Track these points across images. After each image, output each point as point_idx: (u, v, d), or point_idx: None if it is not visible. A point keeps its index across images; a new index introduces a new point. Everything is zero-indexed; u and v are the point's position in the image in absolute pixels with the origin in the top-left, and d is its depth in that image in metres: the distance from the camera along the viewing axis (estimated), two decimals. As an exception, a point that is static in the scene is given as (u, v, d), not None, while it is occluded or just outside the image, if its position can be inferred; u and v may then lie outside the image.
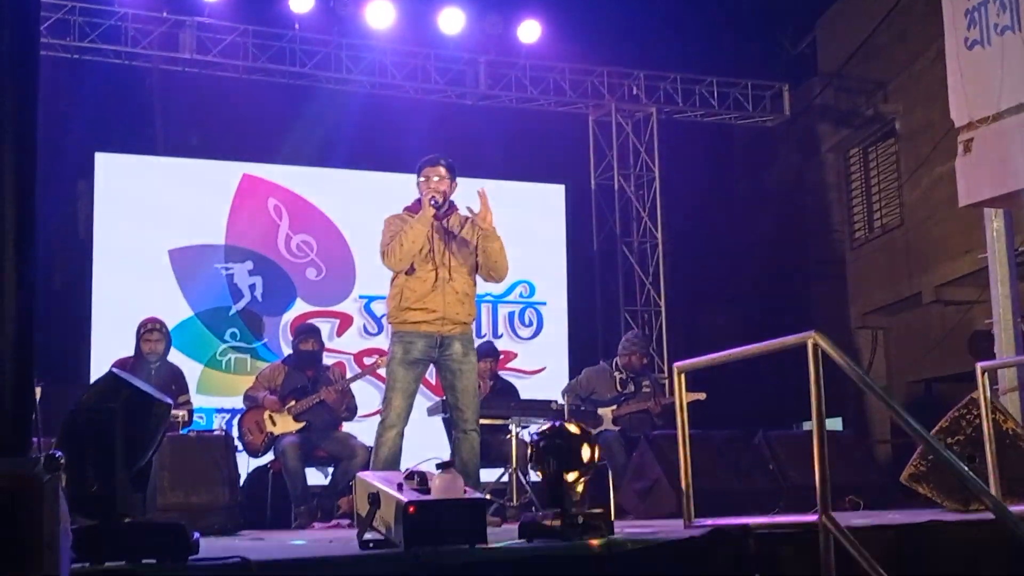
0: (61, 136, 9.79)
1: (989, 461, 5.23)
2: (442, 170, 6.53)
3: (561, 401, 9.01)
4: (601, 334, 12.30)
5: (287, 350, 9.97)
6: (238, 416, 8.72)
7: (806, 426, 14.37)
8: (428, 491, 4.12)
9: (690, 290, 13.62)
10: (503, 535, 4.32)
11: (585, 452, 4.36)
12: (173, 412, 5.69)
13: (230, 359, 10.42)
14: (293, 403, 8.42)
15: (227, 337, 10.46)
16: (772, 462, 8.55)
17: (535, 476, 8.38)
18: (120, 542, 3.68)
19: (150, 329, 8.35)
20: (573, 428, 4.50)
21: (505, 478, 8.65)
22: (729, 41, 14.23)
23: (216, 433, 8.36)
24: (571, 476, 4.29)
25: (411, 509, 3.95)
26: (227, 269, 10.58)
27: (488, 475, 8.15)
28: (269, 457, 8.51)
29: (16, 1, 2.93)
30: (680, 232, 13.14)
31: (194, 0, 10.90)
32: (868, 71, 14.27)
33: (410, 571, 3.79)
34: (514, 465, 8.45)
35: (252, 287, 10.61)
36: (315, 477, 8.60)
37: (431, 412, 8.82)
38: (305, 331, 8.93)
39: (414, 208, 6.58)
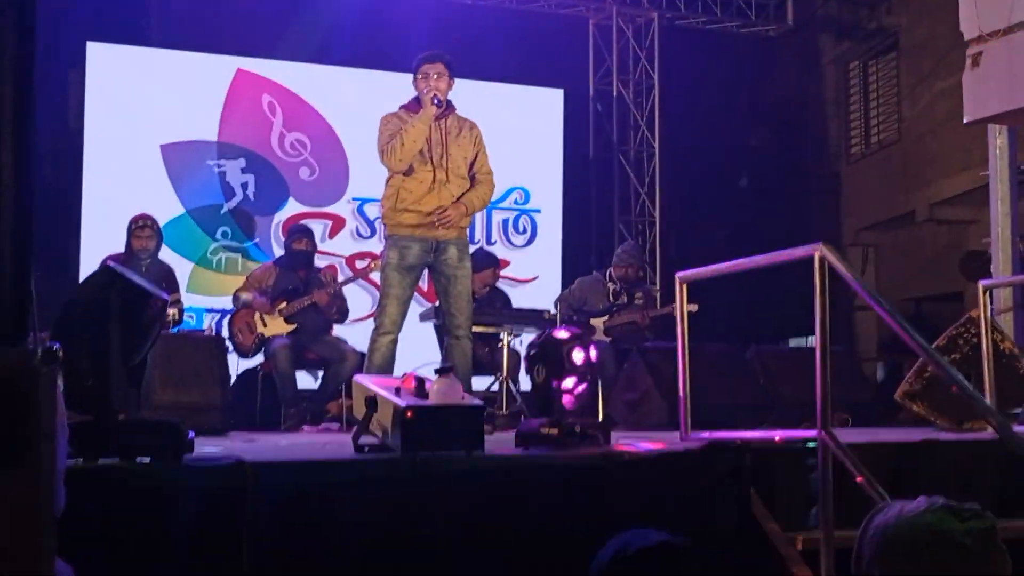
0: (53, 24, 9.58)
1: (987, 380, 5.22)
2: (441, 66, 6.41)
3: (553, 310, 8.97)
4: (595, 244, 12.25)
5: (278, 250, 9.92)
6: (228, 316, 8.65)
7: (792, 342, 14.47)
8: (426, 396, 4.10)
9: (684, 201, 13.54)
10: (498, 443, 4.31)
11: (577, 356, 4.34)
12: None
13: (221, 258, 10.34)
14: (284, 304, 8.35)
15: (218, 236, 10.37)
16: (763, 377, 8.55)
17: (526, 385, 8.47)
18: (114, 439, 3.66)
19: (142, 225, 8.23)
20: (563, 334, 4.47)
21: (495, 387, 8.65)
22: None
23: (207, 333, 8.30)
24: (566, 383, 4.27)
25: (409, 414, 3.94)
26: (219, 166, 10.45)
27: (478, 383, 8.13)
28: (259, 359, 8.47)
29: None
30: (677, 142, 13.01)
31: None
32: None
33: (407, 476, 3.79)
34: (505, 373, 8.44)
35: (244, 185, 10.49)
36: (304, 380, 8.56)
37: (423, 318, 8.78)
38: (298, 231, 8.85)
39: (411, 107, 6.47)
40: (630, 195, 12.52)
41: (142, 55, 10.36)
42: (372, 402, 4.16)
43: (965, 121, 7.02)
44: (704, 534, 3.99)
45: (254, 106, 10.59)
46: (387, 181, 6.50)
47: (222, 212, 10.42)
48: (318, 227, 9.64)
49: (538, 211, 11.48)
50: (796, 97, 15.79)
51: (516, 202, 11.26)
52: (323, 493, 3.68)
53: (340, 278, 8.95)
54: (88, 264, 8.43)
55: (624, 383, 8.32)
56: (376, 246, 10.65)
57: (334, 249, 10.49)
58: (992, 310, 6.81)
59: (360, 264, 10.32)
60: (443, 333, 8.69)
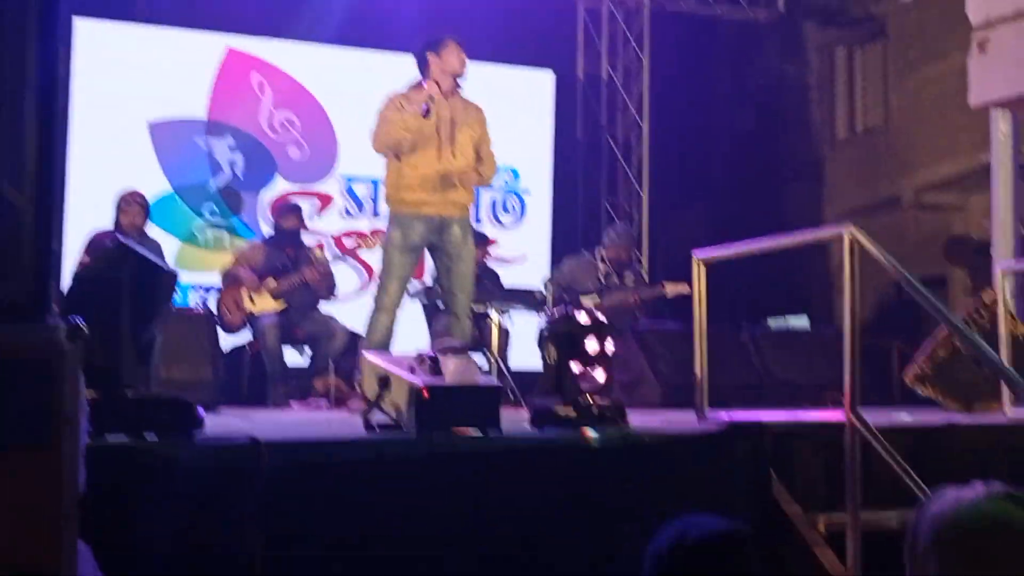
0: (38, -2, 9.34)
1: (1007, 362, 5.14)
2: (464, 56, 6.32)
3: (544, 290, 8.88)
4: (581, 225, 12.15)
5: (265, 227, 9.79)
6: (216, 293, 8.52)
7: (772, 322, 14.43)
8: (441, 375, 4.00)
9: (670, 184, 13.44)
10: (511, 423, 4.21)
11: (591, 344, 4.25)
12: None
13: (208, 235, 10.17)
14: (272, 281, 8.24)
15: (205, 212, 10.19)
16: (756, 358, 8.50)
17: (513, 364, 8.38)
18: (123, 415, 3.55)
19: (130, 202, 8.10)
20: (583, 317, 4.38)
21: (483, 366, 8.55)
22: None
23: (196, 310, 8.18)
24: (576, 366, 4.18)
25: (425, 393, 3.84)
26: (207, 144, 10.28)
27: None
28: (246, 336, 8.35)
29: None
30: (664, 126, 12.91)
31: None
32: (859, -31, 14.01)
33: (423, 456, 3.69)
34: (495, 353, 8.34)
35: (232, 163, 10.32)
36: (292, 357, 8.46)
37: (412, 295, 8.67)
38: (288, 208, 8.74)
39: (418, 86, 6.34)
40: (617, 176, 12.42)
41: (130, 31, 10.15)
42: (385, 381, 4.06)
43: (971, 105, 6.95)
44: (723, 516, 3.91)
45: (243, 84, 10.41)
46: (388, 161, 6.38)
47: (209, 189, 10.24)
48: (306, 205, 9.50)
49: (527, 191, 11.37)
50: (781, 83, 15.72)
51: (505, 182, 11.15)
52: (337, 472, 3.59)
53: (328, 256, 8.81)
54: (74, 240, 8.26)
55: (618, 365, 8.23)
56: (364, 224, 10.53)
57: (322, 227, 10.34)
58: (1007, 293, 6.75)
59: (348, 242, 10.22)
60: (431, 311, 8.67)
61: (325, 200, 10.55)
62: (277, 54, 10.62)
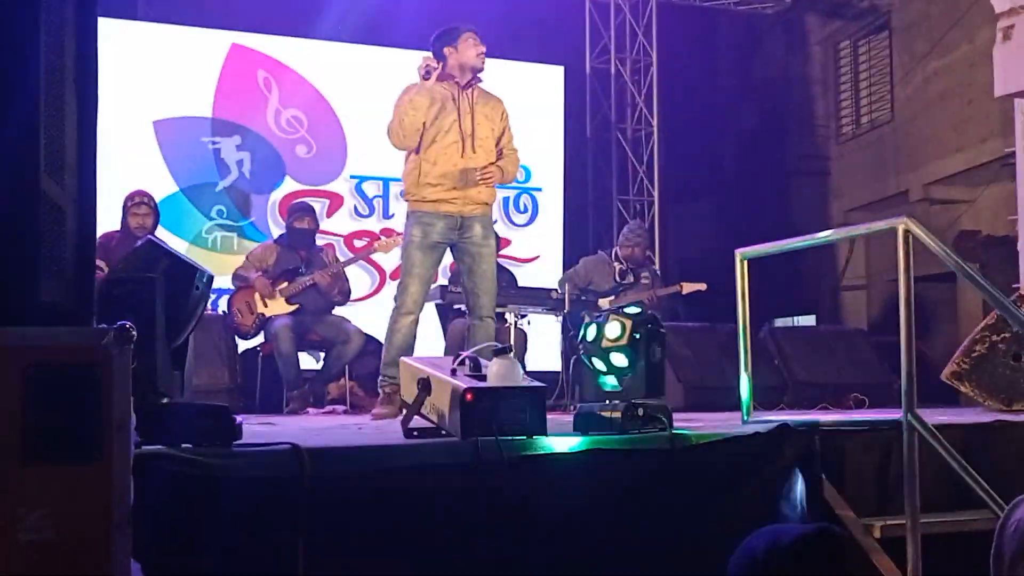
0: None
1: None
2: (481, 47, 6.18)
3: (559, 290, 8.76)
4: (592, 223, 12.05)
5: (275, 229, 9.66)
6: (227, 297, 8.39)
7: (779, 323, 14.34)
8: (483, 378, 3.88)
9: (678, 180, 13.35)
10: (556, 426, 4.08)
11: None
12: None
13: (216, 237, 10.04)
14: (285, 284, 8.12)
15: (213, 214, 10.05)
16: (777, 357, 8.40)
17: (530, 366, 8.25)
18: (159, 424, 3.41)
19: (138, 203, 7.97)
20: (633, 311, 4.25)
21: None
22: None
23: (212, 312, 8.03)
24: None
25: (468, 396, 3.72)
26: (214, 143, 10.12)
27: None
28: (259, 340, 8.21)
29: None
30: (672, 122, 12.82)
31: None
32: (864, -38, 13.92)
33: (469, 461, 3.57)
34: (513, 354, 8.20)
35: (240, 163, 10.19)
36: (306, 361, 8.33)
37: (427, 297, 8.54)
38: (300, 208, 8.59)
39: (440, 76, 6.19)
40: (628, 174, 12.31)
41: (132, 29, 10.01)
42: (426, 384, 3.93)
43: (996, 95, 6.84)
44: (775, 521, 3.80)
45: (249, 82, 10.28)
46: (407, 156, 6.22)
47: (217, 190, 10.10)
48: (316, 205, 9.33)
49: (539, 189, 11.25)
50: (785, 76, 15.64)
51: (517, 180, 11.00)
52: (382, 479, 3.46)
53: (340, 258, 8.68)
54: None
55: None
56: (375, 225, 10.42)
57: (332, 228, 10.21)
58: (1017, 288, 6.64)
59: (359, 243, 10.09)
60: (446, 312, 8.55)
61: (335, 200, 10.43)
62: (284, 51, 10.49)
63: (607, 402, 4.02)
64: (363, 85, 10.21)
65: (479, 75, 6.21)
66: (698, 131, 14.24)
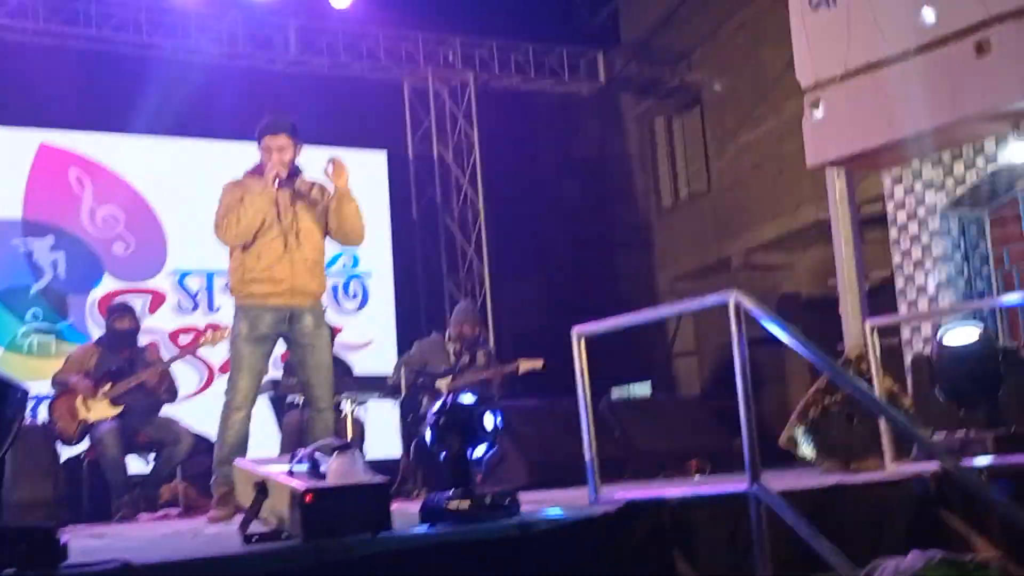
0: None
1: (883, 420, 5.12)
2: (283, 138, 6.01)
3: (395, 375, 8.65)
4: (424, 305, 11.99)
5: (95, 330, 9.33)
6: (47, 403, 8.00)
7: (615, 392, 14.46)
8: (323, 476, 3.72)
9: (507, 259, 13.41)
10: (403, 520, 3.95)
11: (488, 421, 4.05)
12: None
13: (32, 341, 9.64)
14: (109, 386, 7.79)
15: (28, 318, 9.67)
16: (617, 429, 8.42)
17: (372, 453, 8.09)
18: (-26, 551, 3.16)
19: (-53, 312, 7.58)
20: (469, 398, 4.18)
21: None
22: (540, 8, 14.04)
23: (31, 423, 7.64)
24: (478, 451, 3.96)
25: (308, 497, 3.55)
26: (26, 245, 9.76)
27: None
28: (83, 446, 7.84)
29: None
30: (498, 200, 12.90)
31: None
32: (671, 41, 14.32)
33: (313, 564, 3.40)
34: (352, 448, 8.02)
35: (54, 264, 9.83)
36: (135, 465, 7.98)
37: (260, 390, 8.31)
38: (119, 308, 8.28)
39: (257, 171, 6.06)
40: (457, 254, 12.32)
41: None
42: (262, 487, 3.75)
43: (808, 165, 7.05)
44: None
45: (61, 181, 9.98)
46: (231, 252, 6.04)
47: (31, 293, 9.73)
48: (137, 302, 9.08)
49: (368, 274, 11.15)
50: (604, 153, 15.94)
51: (345, 266, 10.91)
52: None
53: (165, 355, 8.38)
54: None
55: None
56: (200, 320, 10.18)
57: (155, 325, 9.90)
58: (841, 351, 6.79)
59: (184, 339, 9.80)
60: (280, 405, 8.33)
61: (157, 297, 10.14)
62: (95, 147, 10.24)
63: (452, 491, 3.91)
64: (180, 178, 10.03)
65: (297, 167, 6.08)
66: (523, 209, 14.34)
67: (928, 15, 6.25)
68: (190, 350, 8.80)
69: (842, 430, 5.43)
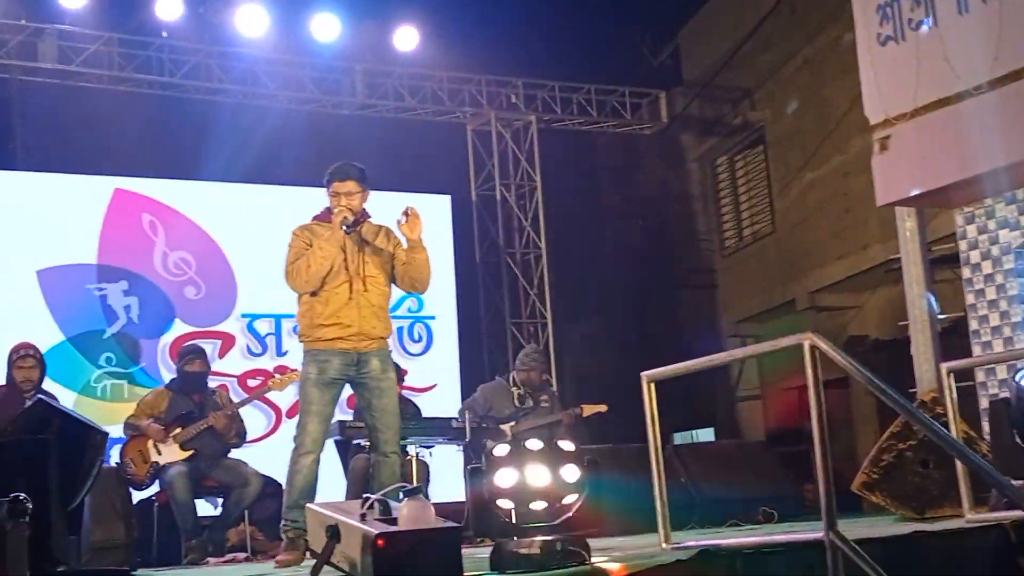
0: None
1: (960, 466, 5.04)
2: (351, 184, 6.08)
3: (460, 419, 8.65)
4: (487, 348, 12.01)
5: (166, 374, 9.42)
6: (119, 447, 8.08)
7: (677, 438, 14.36)
8: (394, 520, 3.74)
9: (569, 302, 13.43)
10: (472, 565, 3.95)
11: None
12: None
13: (106, 385, 9.78)
14: (179, 430, 7.87)
15: (102, 362, 9.81)
16: (684, 475, 8.37)
17: (436, 497, 8.08)
18: (55, 595, 3.21)
19: (23, 355, 7.68)
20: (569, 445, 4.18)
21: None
22: (601, 50, 14.14)
23: (104, 466, 7.72)
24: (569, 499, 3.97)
25: (380, 542, 3.57)
26: (100, 290, 9.93)
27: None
28: (153, 489, 7.92)
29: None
30: (560, 242, 12.94)
31: (55, 7, 10.22)
32: (734, 79, 14.33)
33: (385, 610, 3.42)
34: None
35: (127, 308, 9.98)
36: (203, 508, 8.05)
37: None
38: (191, 351, 8.37)
39: (323, 217, 6.13)
40: (519, 297, 12.35)
41: (10, 179, 9.89)
42: (335, 531, 3.78)
43: (878, 204, 6.97)
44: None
45: (134, 226, 10.16)
46: (299, 297, 6.12)
47: (104, 337, 9.88)
48: (207, 347, 9.11)
49: (432, 318, 11.20)
50: (665, 194, 15.94)
51: (410, 310, 10.97)
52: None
53: (234, 399, 8.46)
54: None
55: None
56: (268, 363, 10.26)
57: (225, 369, 10.02)
58: (915, 393, 6.69)
59: (252, 383, 9.89)
60: (346, 449, 8.36)
61: (227, 340, 10.26)
62: (168, 193, 10.41)
63: (523, 538, 3.90)
64: (250, 223, 10.16)
65: (366, 212, 6.16)
66: (585, 250, 14.38)
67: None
68: (258, 394, 8.87)
69: (916, 476, 5.35)
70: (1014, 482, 5.05)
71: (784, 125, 13.61)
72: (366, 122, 11.90)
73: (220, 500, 8.04)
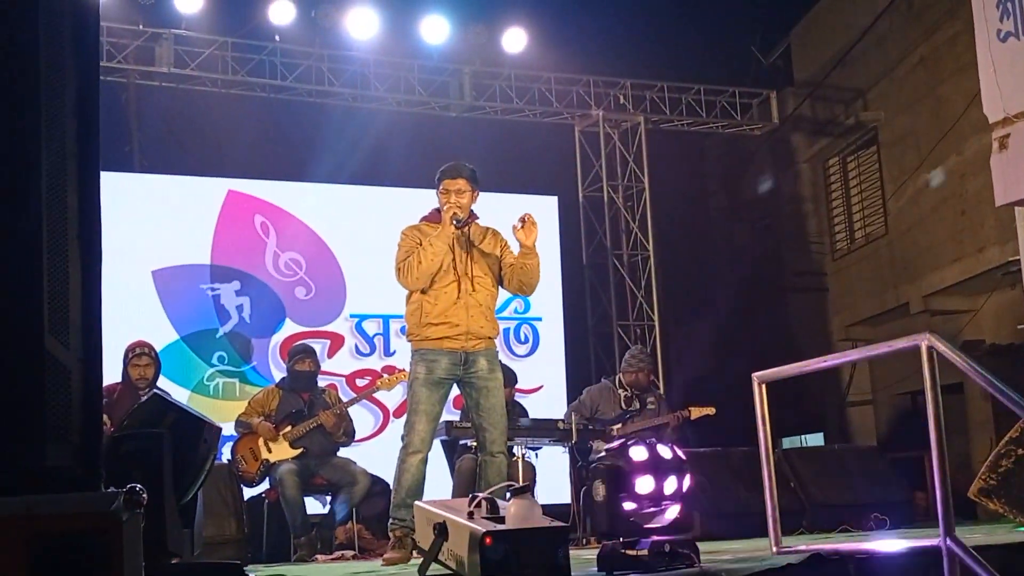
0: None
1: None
2: (462, 182, 6.11)
3: (566, 421, 8.63)
4: (593, 350, 11.97)
5: (277, 373, 9.56)
6: (230, 444, 8.23)
7: (786, 442, 14.17)
8: (502, 519, 3.74)
9: (676, 303, 13.34)
10: (579, 567, 3.93)
11: (665, 452, 4.02)
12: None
13: (218, 384, 9.98)
14: (289, 428, 7.98)
15: (214, 361, 10.01)
16: (793, 479, 8.24)
17: (541, 499, 8.07)
18: (169, 587, 3.26)
19: (139, 353, 7.87)
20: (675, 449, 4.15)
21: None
22: (710, 50, 14.02)
23: (216, 463, 7.86)
24: (668, 486, 3.94)
25: (488, 540, 3.58)
26: (213, 290, 10.14)
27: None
28: (263, 486, 8.04)
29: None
30: (668, 243, 12.86)
31: (171, 12, 10.47)
32: (846, 79, 14.10)
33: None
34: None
35: (240, 308, 10.16)
36: (312, 506, 8.14)
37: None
38: (301, 351, 8.48)
39: (432, 217, 6.17)
40: (627, 299, 12.29)
41: (127, 181, 10.12)
42: (442, 529, 3.79)
43: (997, 204, 6.80)
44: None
45: (246, 227, 10.34)
46: (408, 296, 6.16)
47: (217, 336, 10.08)
48: (316, 346, 9.23)
49: (539, 319, 11.20)
50: (775, 195, 15.75)
51: (516, 311, 10.98)
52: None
53: (343, 398, 8.55)
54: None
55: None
56: (376, 363, 10.36)
57: (334, 369, 10.15)
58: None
59: (361, 382, 9.99)
60: (451, 449, 8.39)
61: (336, 340, 10.38)
62: (280, 195, 10.56)
63: (632, 540, 3.87)
64: (359, 225, 10.27)
65: (473, 213, 6.18)
66: (693, 252, 14.28)
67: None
68: (366, 393, 8.95)
69: (1036, 483, 5.20)
70: None
71: (898, 125, 13.35)
72: (474, 124, 11.97)
73: (328, 498, 8.12)
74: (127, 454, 3.31)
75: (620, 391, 8.92)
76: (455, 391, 6.21)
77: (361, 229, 10.19)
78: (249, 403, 8.31)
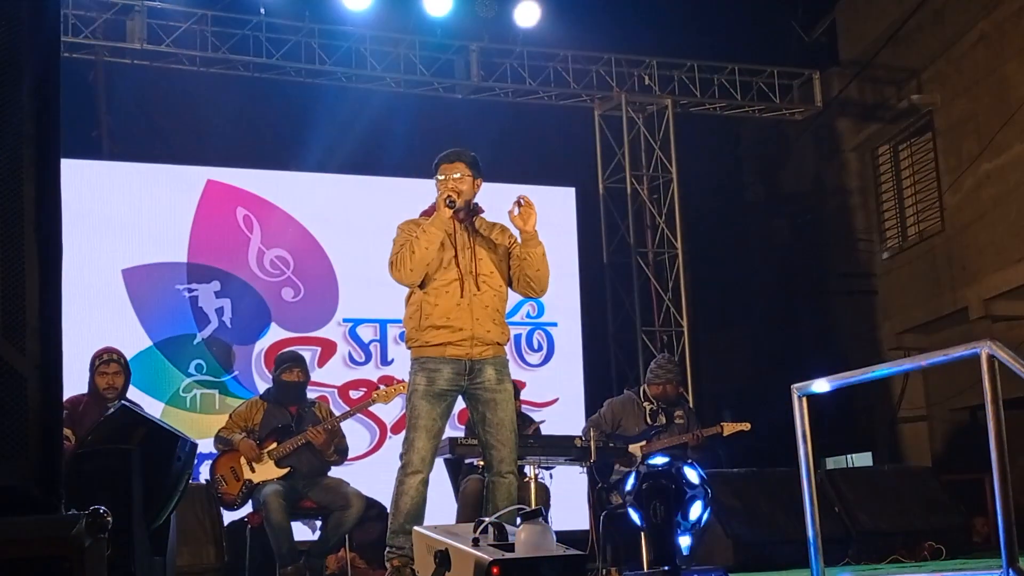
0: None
1: None
2: (461, 166, 6.14)
3: (584, 437, 8.64)
4: (615, 358, 11.97)
5: (261, 384, 9.62)
6: (209, 462, 8.25)
7: (830, 463, 14.16)
8: (511, 547, 3.74)
9: (707, 307, 13.34)
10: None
11: (692, 475, 4.02)
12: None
13: (195, 395, 10.00)
14: (274, 445, 8.00)
15: (192, 370, 10.04)
16: (838, 504, 8.24)
17: (555, 525, 8.08)
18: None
19: (107, 360, 7.88)
20: (660, 460, 4.16)
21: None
22: (746, 25, 14.02)
23: (193, 483, 7.89)
24: (694, 511, 3.94)
25: (495, 570, 3.58)
26: (190, 291, 10.15)
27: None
28: (246, 509, 8.06)
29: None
30: (699, 241, 12.86)
31: (145, -18, 10.51)
32: (898, 58, 14.10)
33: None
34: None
35: (220, 311, 10.18)
36: (300, 532, 8.16)
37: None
38: (289, 359, 8.50)
39: (431, 212, 6.17)
40: (652, 302, 12.28)
41: (94, 169, 10.15)
42: (444, 557, 3.79)
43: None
44: None
45: (228, 221, 10.36)
46: (408, 297, 6.17)
47: (195, 343, 10.10)
48: (306, 354, 9.27)
49: (554, 324, 11.21)
50: (818, 188, 15.75)
51: (528, 315, 10.98)
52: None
53: (335, 412, 8.57)
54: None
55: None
56: (371, 373, 10.37)
57: (325, 379, 10.16)
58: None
59: (355, 394, 10.01)
60: (455, 468, 8.40)
61: (327, 348, 10.40)
62: (264, 185, 10.57)
63: (656, 569, 3.88)
64: (354, 219, 10.29)
65: (476, 206, 6.19)
66: (727, 251, 14.28)
67: None
68: (361, 407, 8.96)
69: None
70: None
71: (957, 110, 13.33)
72: (481, 107, 12.00)
73: (319, 523, 8.16)
74: (91, 473, 3.32)
75: (645, 404, 8.92)
76: (460, 404, 6.22)
77: (356, 224, 10.21)
78: (230, 417, 8.33)
